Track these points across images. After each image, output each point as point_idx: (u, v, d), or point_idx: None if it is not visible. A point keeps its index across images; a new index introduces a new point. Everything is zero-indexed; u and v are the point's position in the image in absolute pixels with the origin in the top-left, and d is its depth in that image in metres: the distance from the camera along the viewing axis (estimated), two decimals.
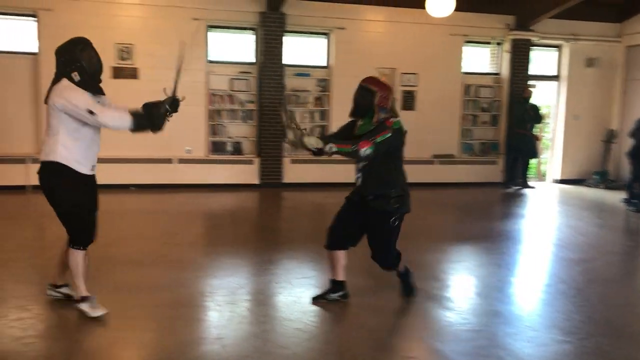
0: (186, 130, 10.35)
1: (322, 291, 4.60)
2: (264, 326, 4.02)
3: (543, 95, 12.87)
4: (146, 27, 10.01)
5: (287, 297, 4.61)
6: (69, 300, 4.28)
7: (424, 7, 9.27)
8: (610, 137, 12.09)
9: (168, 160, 10.22)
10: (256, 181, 10.70)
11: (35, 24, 9.68)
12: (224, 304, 4.40)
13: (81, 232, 4.15)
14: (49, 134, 4.03)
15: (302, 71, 10.96)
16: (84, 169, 4.09)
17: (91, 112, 3.89)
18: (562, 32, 11.88)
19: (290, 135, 4.30)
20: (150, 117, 4.06)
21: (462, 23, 11.19)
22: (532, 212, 9.45)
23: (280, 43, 10.44)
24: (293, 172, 10.90)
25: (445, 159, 11.55)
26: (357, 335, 3.89)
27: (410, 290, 4.69)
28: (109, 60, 9.85)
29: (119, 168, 9.98)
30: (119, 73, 9.94)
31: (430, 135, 11.43)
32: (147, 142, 10.15)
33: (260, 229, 7.75)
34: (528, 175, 11.75)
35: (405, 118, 11.48)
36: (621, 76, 12.25)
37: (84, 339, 3.74)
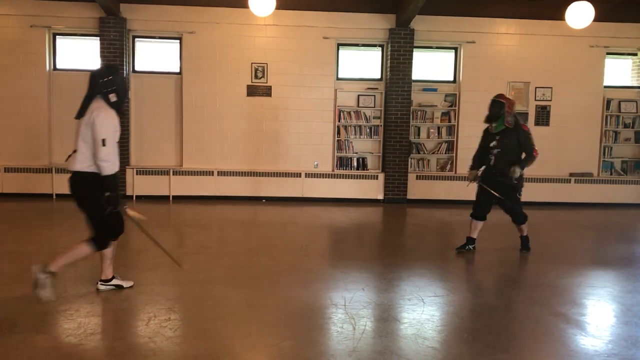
0: (315, 146, 10.69)
1: (461, 245, 6.86)
2: (398, 343, 4.01)
3: None
4: (279, 46, 10.46)
5: (420, 315, 4.56)
6: (119, 290, 4.96)
7: (560, 19, 8.86)
8: None
9: (297, 175, 10.57)
10: (380, 196, 10.73)
11: (179, 46, 10.47)
12: (357, 317, 4.45)
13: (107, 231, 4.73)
14: (85, 147, 4.53)
15: (429, 86, 10.88)
16: None
17: (103, 141, 4.42)
18: None
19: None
20: (117, 191, 4.58)
21: (603, 34, 10.57)
22: None
23: (409, 58, 10.45)
24: (418, 188, 10.81)
25: (583, 177, 10.89)
26: (494, 359, 3.75)
27: (527, 248, 6.91)
28: (245, 79, 10.47)
29: (253, 181, 10.49)
30: (253, 91, 10.46)
31: (566, 152, 10.88)
32: (279, 158, 10.61)
33: (387, 244, 7.74)
34: None
35: (539, 134, 11.11)
36: None
37: (227, 342, 3.94)
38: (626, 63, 11.36)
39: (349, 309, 4.62)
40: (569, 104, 10.82)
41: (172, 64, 10.60)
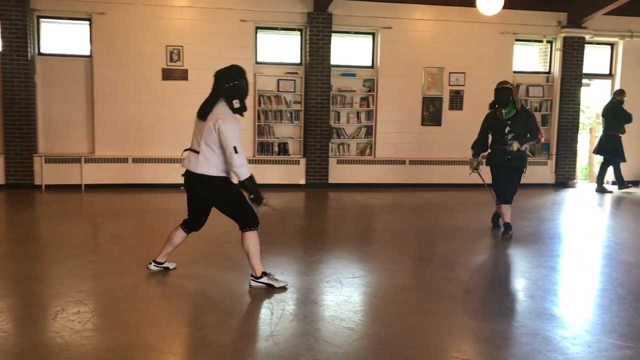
0: None
1: (502, 230, 6.90)
2: (315, 325, 4.03)
3: (595, 94, 12.54)
4: (195, 29, 10.19)
5: (337, 297, 4.60)
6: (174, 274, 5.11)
7: (472, 5, 9.15)
8: None
9: None
10: (302, 181, 10.75)
11: (89, 27, 9.97)
12: (275, 302, 4.43)
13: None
14: (208, 152, 4.58)
15: (348, 71, 10.96)
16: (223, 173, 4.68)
17: (235, 149, 4.42)
18: (617, 29, 11.55)
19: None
20: (257, 191, 4.61)
21: (513, 21, 11.00)
22: (588, 214, 9.17)
23: (327, 43, 10.47)
24: (339, 172, 10.91)
25: None
26: (409, 336, 3.85)
27: (507, 230, 6.84)
28: (160, 63, 10.13)
29: (169, 168, 10.19)
30: (169, 75, 10.16)
31: None
32: None
33: (308, 228, 7.76)
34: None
35: (453, 118, 11.47)
36: None
37: (140, 333, 3.82)
38: (533, 49, 11.90)
39: (267, 294, 4.60)
40: (481, 89, 11.18)
41: (82, 46, 10.10)
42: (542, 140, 6.82)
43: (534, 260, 6.06)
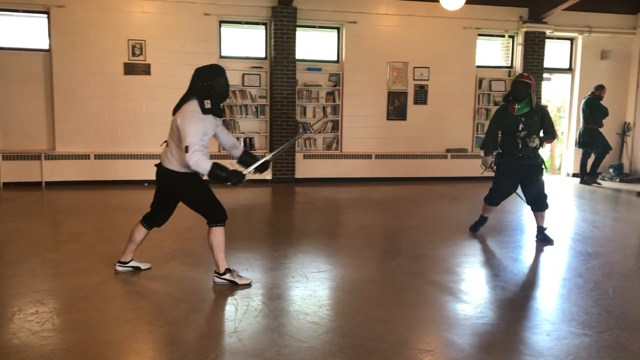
0: None
1: (474, 223, 6.82)
2: (280, 320, 4.02)
3: (556, 88, 12.80)
4: (158, 23, 10.02)
5: (302, 291, 4.60)
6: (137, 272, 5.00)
7: (436, 0, 9.22)
8: (625, 130, 11.98)
9: None
10: (269, 176, 10.69)
11: (47, 20, 9.72)
12: (239, 297, 4.40)
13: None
14: (174, 147, 4.55)
15: (314, 66, 10.93)
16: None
17: (186, 148, 4.30)
18: (576, 24, 11.78)
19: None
20: (229, 175, 4.54)
21: (475, 16, 11.13)
22: (549, 207, 9.35)
23: (292, 37, 10.42)
24: (305, 167, 10.89)
25: (458, 153, 11.48)
26: (374, 329, 3.87)
27: (550, 241, 6.41)
28: (122, 57, 9.94)
29: (133, 164, 10.03)
30: (131, 69, 9.97)
31: (442, 129, 11.40)
32: (159, 138, 10.19)
33: (274, 223, 7.76)
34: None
35: (418, 113, 11.55)
36: (636, 68, 12.11)
37: (101, 332, 3.75)
38: (496, 44, 12.07)
39: (232, 290, 4.57)
40: (445, 83, 11.33)
41: (40, 40, 9.83)
42: (557, 138, 6.52)
43: (497, 252, 6.17)
